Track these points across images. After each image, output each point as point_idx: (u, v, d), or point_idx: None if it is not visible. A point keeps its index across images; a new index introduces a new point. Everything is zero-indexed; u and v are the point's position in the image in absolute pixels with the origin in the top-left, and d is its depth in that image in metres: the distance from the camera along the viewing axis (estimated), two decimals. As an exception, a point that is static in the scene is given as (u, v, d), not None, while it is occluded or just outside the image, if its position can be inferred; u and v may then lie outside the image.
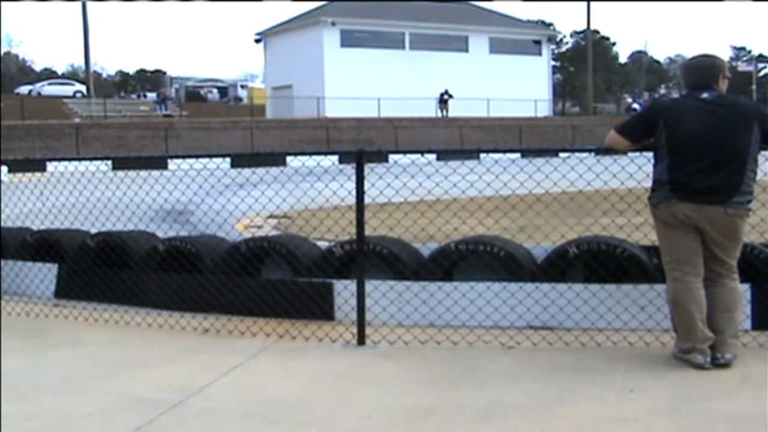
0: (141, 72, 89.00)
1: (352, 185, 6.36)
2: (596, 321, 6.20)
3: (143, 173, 8.20)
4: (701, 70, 5.46)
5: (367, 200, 6.33)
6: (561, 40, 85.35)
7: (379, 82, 52.42)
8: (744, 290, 5.74)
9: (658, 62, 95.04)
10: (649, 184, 5.55)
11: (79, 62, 75.27)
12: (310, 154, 7.47)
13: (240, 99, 68.99)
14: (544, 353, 5.82)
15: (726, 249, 5.33)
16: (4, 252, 8.72)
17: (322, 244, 7.68)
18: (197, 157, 7.52)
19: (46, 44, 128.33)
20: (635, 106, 64.11)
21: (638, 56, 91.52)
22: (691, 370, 5.21)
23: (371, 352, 6.08)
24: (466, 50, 60.31)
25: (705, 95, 5.33)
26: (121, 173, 8.47)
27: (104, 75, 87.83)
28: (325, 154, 7.01)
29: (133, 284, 7.69)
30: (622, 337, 5.91)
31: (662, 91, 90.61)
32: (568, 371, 5.37)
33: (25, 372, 5.75)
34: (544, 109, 60.81)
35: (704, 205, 5.19)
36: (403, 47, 58.16)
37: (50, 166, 21.45)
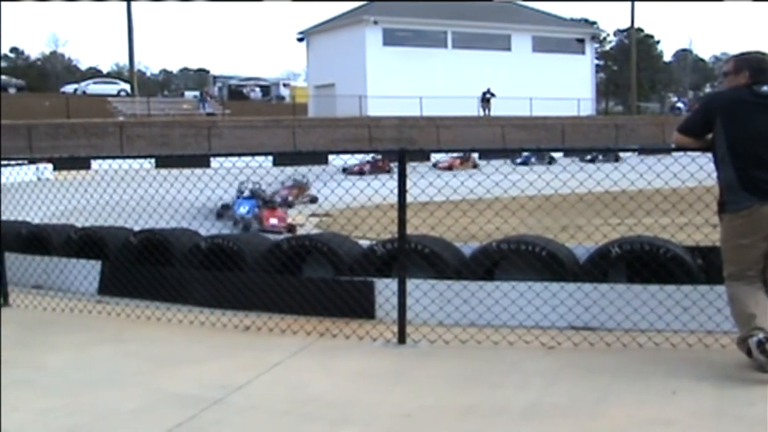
0: (184, 71, 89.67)
1: (393, 184, 6.36)
2: (638, 322, 6.13)
3: (186, 171, 8.26)
4: (766, 63, 5.33)
5: (408, 199, 6.32)
6: (605, 38, 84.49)
7: (421, 80, 52.27)
8: None
9: (703, 60, 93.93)
10: (692, 183, 5.45)
11: (124, 61, 76.27)
12: (353, 152, 7.46)
13: (282, 98, 69.21)
14: (585, 354, 5.77)
15: None
16: (49, 249, 8.86)
17: (364, 243, 7.69)
18: (240, 155, 7.53)
19: (92, 44, 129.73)
20: (680, 105, 63.63)
21: (683, 54, 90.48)
22: (735, 372, 5.13)
23: (411, 350, 6.07)
24: (509, 49, 60.03)
25: (766, 88, 5.20)
26: (164, 171, 8.53)
27: (148, 74, 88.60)
28: (367, 152, 7.00)
29: (175, 282, 7.74)
30: (665, 338, 5.84)
31: (707, 89, 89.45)
32: (609, 372, 5.33)
33: (68, 367, 5.82)
34: (587, 108, 60.39)
35: None
36: (446, 46, 58.01)
37: (95, 164, 21.79)
